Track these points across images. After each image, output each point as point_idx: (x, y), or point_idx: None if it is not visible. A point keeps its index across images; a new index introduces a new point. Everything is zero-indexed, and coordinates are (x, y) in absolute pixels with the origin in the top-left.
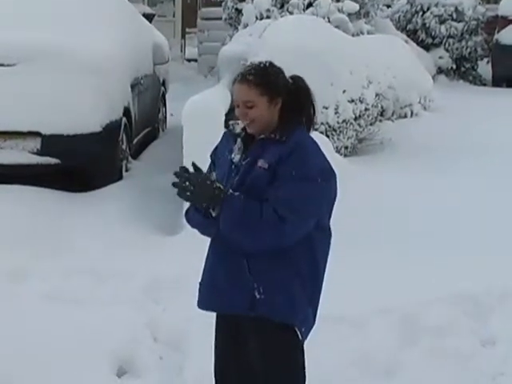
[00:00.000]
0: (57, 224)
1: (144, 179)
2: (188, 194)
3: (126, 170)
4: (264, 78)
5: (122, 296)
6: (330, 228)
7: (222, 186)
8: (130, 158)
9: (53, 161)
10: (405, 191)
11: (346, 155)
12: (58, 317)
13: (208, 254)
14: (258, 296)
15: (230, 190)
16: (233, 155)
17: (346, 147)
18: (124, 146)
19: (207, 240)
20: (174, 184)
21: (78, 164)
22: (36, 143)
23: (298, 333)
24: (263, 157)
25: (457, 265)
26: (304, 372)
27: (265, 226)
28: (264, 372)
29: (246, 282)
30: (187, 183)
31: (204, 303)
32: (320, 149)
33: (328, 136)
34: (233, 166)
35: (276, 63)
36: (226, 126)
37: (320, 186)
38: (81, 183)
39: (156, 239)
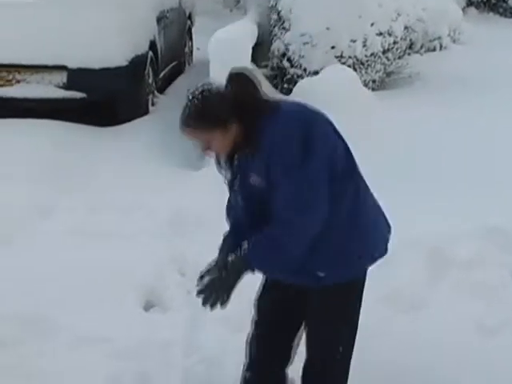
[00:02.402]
0: (82, 158)
1: (170, 113)
2: (219, 296)
3: (152, 105)
4: (204, 117)
5: (147, 230)
6: (349, 168)
7: (231, 257)
8: (156, 93)
9: (78, 95)
10: (433, 124)
11: (373, 89)
12: (84, 251)
13: None
14: (321, 274)
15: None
16: (224, 174)
17: (374, 81)
18: (150, 81)
19: None
20: (203, 303)
21: (103, 98)
22: (62, 77)
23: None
24: (252, 169)
25: (487, 199)
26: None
27: (283, 241)
28: (322, 320)
29: (305, 273)
30: (212, 293)
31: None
32: (291, 114)
33: (356, 70)
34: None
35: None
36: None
37: (305, 169)
38: (107, 117)
39: (181, 174)
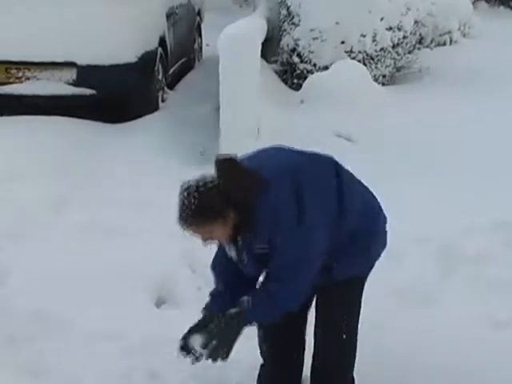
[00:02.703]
0: (93, 155)
1: (180, 109)
2: (222, 349)
3: (162, 101)
4: (203, 213)
5: (159, 227)
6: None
7: (234, 312)
8: (165, 89)
9: (88, 91)
10: (444, 119)
11: (383, 84)
12: (96, 248)
13: None
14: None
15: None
16: (229, 253)
17: (384, 76)
18: (160, 77)
19: None
20: (210, 357)
21: (113, 95)
22: (72, 74)
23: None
24: (256, 242)
25: (496, 193)
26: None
27: (280, 296)
28: (328, 311)
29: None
30: (209, 341)
31: None
32: (278, 180)
33: (365, 64)
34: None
35: None
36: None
37: (302, 226)
38: (117, 114)
39: (192, 169)
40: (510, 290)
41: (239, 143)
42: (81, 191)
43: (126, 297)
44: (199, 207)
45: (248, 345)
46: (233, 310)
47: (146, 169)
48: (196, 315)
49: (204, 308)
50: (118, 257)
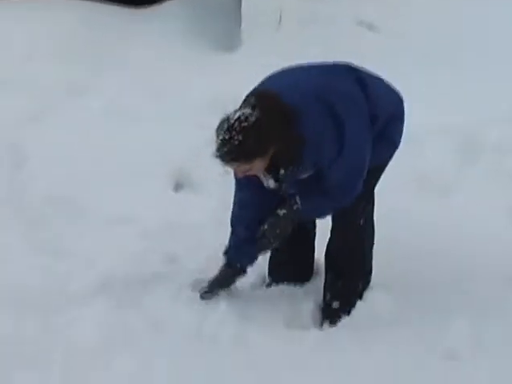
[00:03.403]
0: (115, 39)
1: None
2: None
3: None
4: (244, 151)
5: (180, 112)
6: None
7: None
8: None
9: None
10: (475, 8)
11: None
12: (115, 132)
13: None
14: None
15: None
16: (265, 183)
17: None
18: None
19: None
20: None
21: None
22: None
23: None
24: (301, 172)
25: None
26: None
27: (326, 206)
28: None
29: None
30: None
31: None
32: (312, 104)
33: None
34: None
35: None
36: None
37: (347, 150)
38: None
39: (215, 56)
40: None
41: (261, 32)
42: (100, 74)
43: (144, 181)
44: (241, 144)
45: None
46: (284, 209)
47: (165, 55)
48: (215, 200)
49: (230, 260)
50: (137, 142)
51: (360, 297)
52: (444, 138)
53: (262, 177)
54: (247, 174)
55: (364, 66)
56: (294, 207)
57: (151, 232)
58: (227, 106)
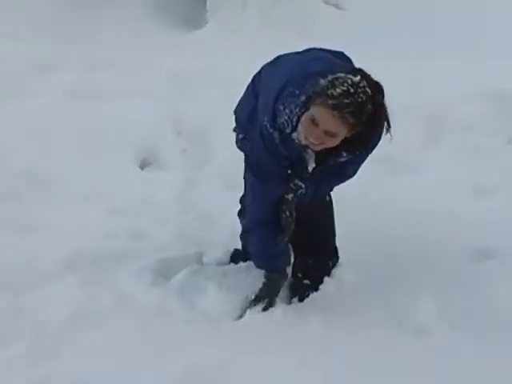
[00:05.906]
0: (81, 14)
1: None
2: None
3: None
4: (361, 119)
5: (145, 88)
6: None
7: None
8: None
9: None
10: None
11: None
12: (82, 109)
13: None
14: None
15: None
16: (308, 164)
17: None
18: None
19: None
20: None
21: None
22: None
23: None
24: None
25: (484, 62)
26: None
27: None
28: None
29: None
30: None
31: None
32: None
33: None
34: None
35: None
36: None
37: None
38: None
39: (180, 33)
40: (493, 160)
41: (226, 12)
42: (66, 52)
43: (111, 158)
44: (364, 111)
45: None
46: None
47: (133, 31)
48: (180, 177)
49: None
50: (104, 118)
51: (328, 274)
52: (410, 116)
53: (310, 153)
54: (323, 143)
55: (332, 44)
56: (299, 192)
57: (119, 209)
58: (190, 84)
